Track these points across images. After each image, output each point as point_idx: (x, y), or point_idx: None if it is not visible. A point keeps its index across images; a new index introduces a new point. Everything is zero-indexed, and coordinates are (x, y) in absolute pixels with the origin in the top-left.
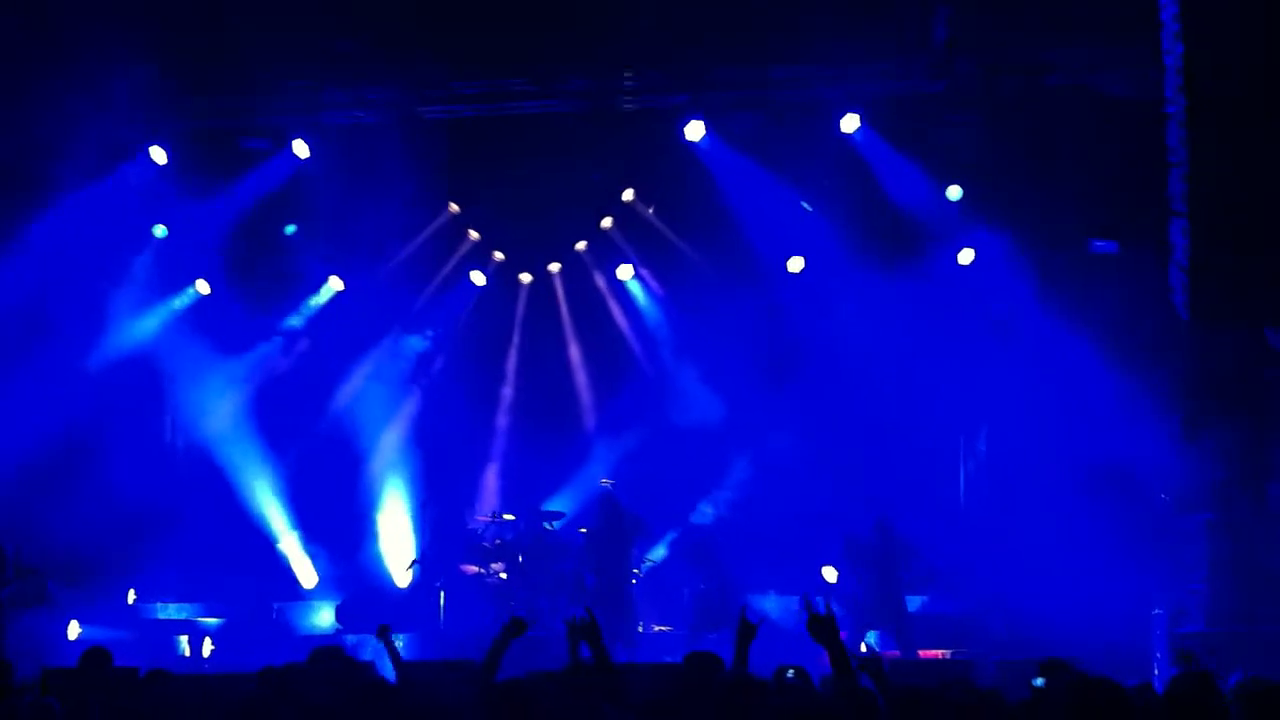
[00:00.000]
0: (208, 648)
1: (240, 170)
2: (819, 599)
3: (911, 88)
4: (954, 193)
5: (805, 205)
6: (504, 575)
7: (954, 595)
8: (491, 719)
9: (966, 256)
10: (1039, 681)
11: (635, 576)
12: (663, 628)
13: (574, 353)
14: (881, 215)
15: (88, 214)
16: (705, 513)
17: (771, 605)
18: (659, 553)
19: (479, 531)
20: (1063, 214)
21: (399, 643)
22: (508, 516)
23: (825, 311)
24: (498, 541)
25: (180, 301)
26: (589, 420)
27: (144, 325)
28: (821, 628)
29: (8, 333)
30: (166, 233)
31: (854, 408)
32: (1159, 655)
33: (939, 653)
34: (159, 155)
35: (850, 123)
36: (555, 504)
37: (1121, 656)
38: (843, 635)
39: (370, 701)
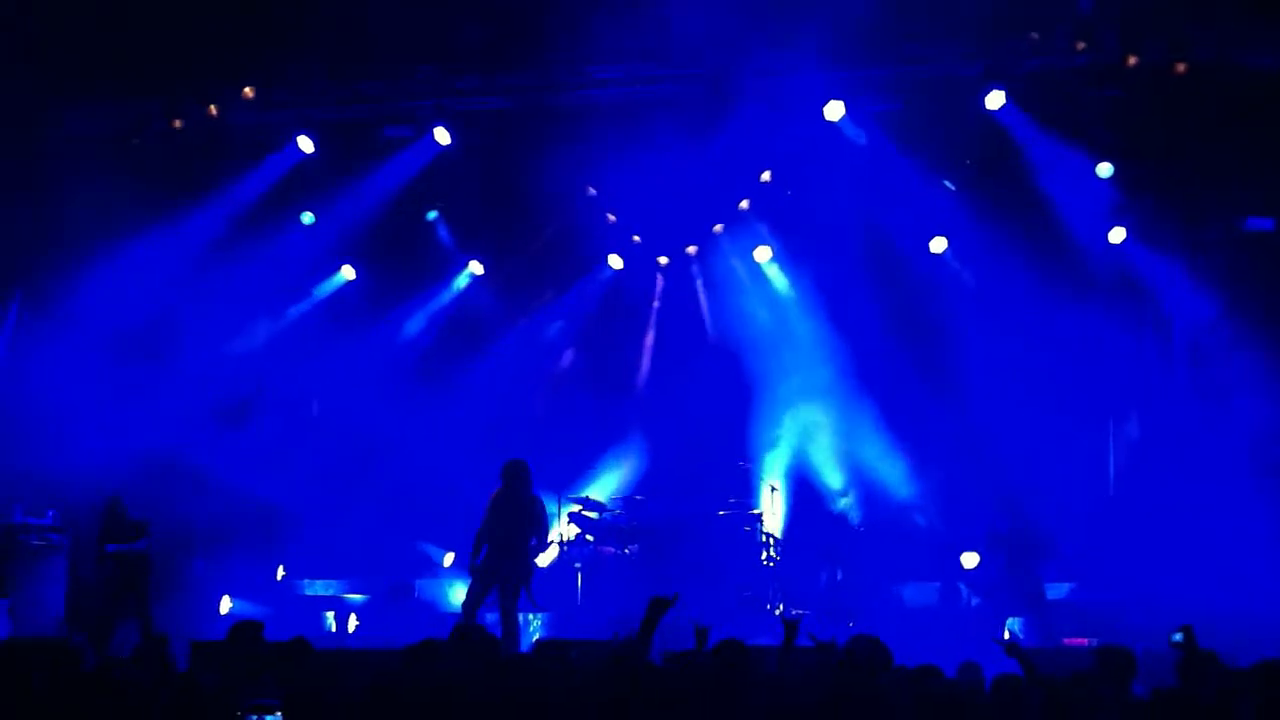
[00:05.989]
0: (353, 623)
1: (383, 158)
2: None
3: (1054, 62)
4: (1104, 170)
5: (948, 184)
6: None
7: (1100, 584)
8: (616, 697)
9: (1117, 235)
10: (1178, 637)
11: (771, 561)
12: (798, 613)
13: (711, 336)
14: (1027, 192)
15: (238, 202)
16: (844, 500)
17: (911, 593)
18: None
19: (614, 512)
20: (1214, 190)
21: (536, 621)
22: (637, 498)
23: (969, 292)
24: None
25: (327, 286)
26: (727, 405)
27: (291, 309)
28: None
29: (166, 317)
30: (314, 219)
31: (999, 392)
32: None
33: (1083, 640)
34: (306, 144)
35: (995, 99)
36: (693, 488)
37: (1271, 651)
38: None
39: (505, 677)
